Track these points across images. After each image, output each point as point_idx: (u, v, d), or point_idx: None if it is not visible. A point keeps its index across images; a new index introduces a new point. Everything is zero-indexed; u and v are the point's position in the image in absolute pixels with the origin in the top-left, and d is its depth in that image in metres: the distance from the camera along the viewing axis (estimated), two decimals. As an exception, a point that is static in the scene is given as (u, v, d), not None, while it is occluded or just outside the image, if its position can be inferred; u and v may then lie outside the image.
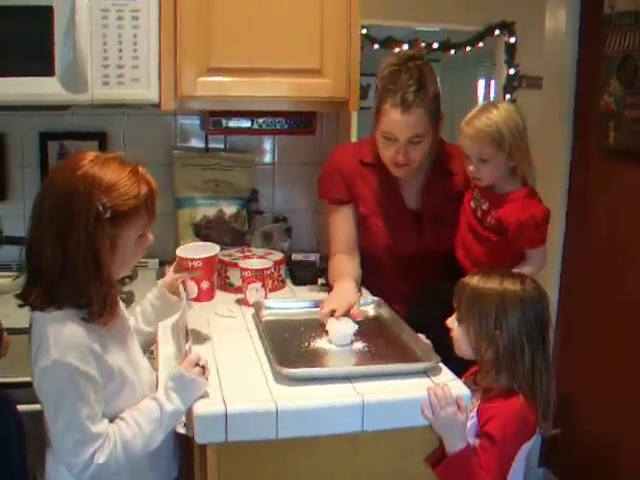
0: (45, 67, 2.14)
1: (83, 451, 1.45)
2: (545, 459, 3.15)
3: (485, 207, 2.22)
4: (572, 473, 3.09)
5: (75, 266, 1.47)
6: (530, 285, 1.79)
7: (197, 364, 1.59)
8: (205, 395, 1.57)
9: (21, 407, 1.82)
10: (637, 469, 2.68)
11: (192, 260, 1.92)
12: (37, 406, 1.58)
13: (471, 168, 2.18)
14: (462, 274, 1.95)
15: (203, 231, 2.63)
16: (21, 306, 1.53)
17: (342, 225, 2.41)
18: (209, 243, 2.08)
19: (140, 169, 1.58)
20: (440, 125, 2.27)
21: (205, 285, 1.93)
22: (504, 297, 1.75)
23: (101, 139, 2.61)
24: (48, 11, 2.11)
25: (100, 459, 1.46)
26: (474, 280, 1.80)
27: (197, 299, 1.94)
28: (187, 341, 1.80)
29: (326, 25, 2.40)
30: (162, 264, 2.59)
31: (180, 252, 1.96)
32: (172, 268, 1.96)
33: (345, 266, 2.33)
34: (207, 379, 1.60)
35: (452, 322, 1.84)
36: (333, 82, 2.45)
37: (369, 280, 2.33)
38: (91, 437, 1.45)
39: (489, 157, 2.13)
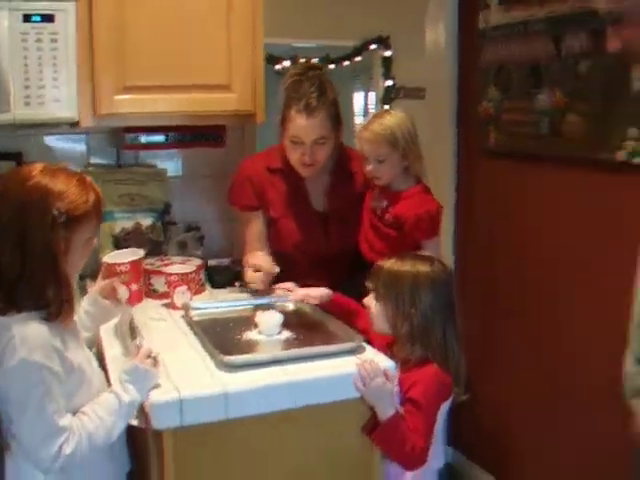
0: (-34, 89, 2.20)
1: (52, 444, 1.56)
2: (452, 438, 3.40)
3: (384, 205, 2.45)
4: (477, 450, 3.35)
5: (33, 269, 1.59)
6: (439, 267, 2.02)
7: (149, 356, 1.73)
8: (157, 386, 1.71)
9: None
10: (535, 450, 2.97)
11: (120, 265, 2.06)
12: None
13: (370, 167, 2.41)
14: (368, 267, 2.15)
15: (122, 243, 2.72)
16: None
17: (254, 229, 2.60)
18: (133, 248, 2.22)
19: (86, 178, 1.72)
20: (341, 128, 2.49)
21: (134, 287, 2.08)
22: (417, 278, 1.96)
23: (17, 159, 2.66)
24: (-32, 35, 2.18)
25: (67, 450, 1.57)
26: (389, 263, 2.01)
27: (128, 302, 2.07)
28: (133, 339, 1.93)
29: (233, 43, 2.56)
30: (82, 278, 2.67)
31: (107, 259, 2.10)
32: (100, 275, 2.09)
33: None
34: (158, 370, 1.74)
35: (369, 301, 2.04)
36: (240, 96, 2.61)
37: (282, 278, 2.48)
38: (58, 430, 1.57)
39: (385, 157, 2.38)
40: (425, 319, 1.95)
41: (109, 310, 2.04)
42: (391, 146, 2.36)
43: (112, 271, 2.06)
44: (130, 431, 1.81)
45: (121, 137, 2.74)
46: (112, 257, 2.12)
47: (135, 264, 2.09)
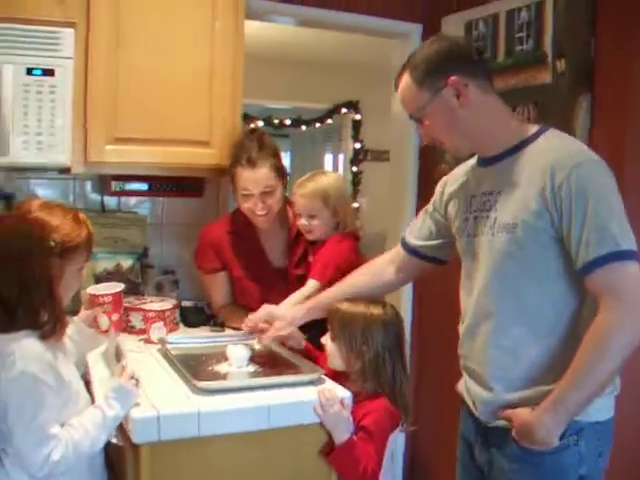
0: (-30, 132, 2.41)
1: (42, 450, 1.73)
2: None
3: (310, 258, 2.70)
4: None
5: (30, 292, 1.79)
6: (390, 310, 2.23)
7: (132, 377, 1.93)
8: (137, 404, 1.90)
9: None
10: None
11: (103, 296, 2.26)
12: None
13: (303, 222, 2.63)
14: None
15: (104, 282, 2.91)
16: None
17: (219, 288, 2.86)
18: (113, 282, 2.42)
19: (80, 215, 1.94)
20: (285, 178, 2.73)
21: (115, 317, 2.28)
22: (369, 319, 2.17)
23: (8, 199, 2.85)
24: (-25, 83, 2.39)
25: (55, 457, 1.74)
26: (345, 306, 2.22)
27: (108, 331, 2.27)
28: (119, 361, 2.12)
29: (214, 103, 2.82)
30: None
31: (91, 290, 2.30)
32: (84, 305, 2.29)
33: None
34: (139, 391, 1.93)
35: (326, 340, 2.25)
36: (219, 152, 2.85)
37: None
38: (48, 438, 1.74)
39: (317, 212, 2.60)
40: (376, 357, 2.16)
41: (92, 338, 2.22)
42: (322, 202, 2.59)
43: (95, 302, 2.26)
44: (109, 452, 1.99)
45: (107, 184, 2.96)
46: (95, 289, 2.32)
47: (117, 296, 2.29)
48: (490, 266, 1.90)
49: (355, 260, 2.53)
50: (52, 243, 1.81)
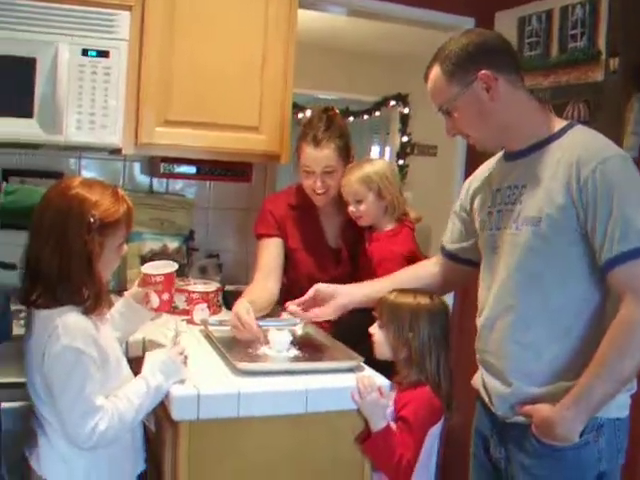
0: (26, 110, 2.45)
1: (88, 421, 1.76)
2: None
3: (367, 245, 2.70)
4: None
5: (70, 269, 1.82)
6: (437, 300, 2.23)
7: (181, 353, 1.97)
8: (182, 381, 1.94)
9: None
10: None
11: (155, 276, 2.29)
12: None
13: (351, 208, 2.63)
14: None
15: (149, 262, 2.96)
16: (25, 304, 1.86)
17: (268, 252, 2.76)
18: (167, 261, 2.44)
19: (119, 191, 1.96)
20: (350, 160, 2.71)
21: (165, 297, 2.30)
22: (417, 308, 2.18)
23: (58, 178, 2.89)
24: (32, 62, 2.44)
25: (101, 427, 1.77)
26: (392, 296, 2.22)
27: (159, 309, 2.30)
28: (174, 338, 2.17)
29: (265, 90, 2.85)
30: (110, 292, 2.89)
31: (145, 269, 2.33)
32: (137, 283, 2.33)
33: (253, 289, 2.65)
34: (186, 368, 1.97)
35: (374, 329, 2.25)
36: (268, 138, 2.88)
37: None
38: (95, 409, 1.78)
39: (362, 197, 2.60)
40: (422, 346, 2.16)
41: (140, 313, 2.24)
42: (366, 186, 2.59)
43: (147, 281, 2.30)
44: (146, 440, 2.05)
45: (156, 166, 3.00)
46: (150, 268, 2.36)
47: (169, 276, 2.32)
48: (513, 260, 1.90)
49: (415, 248, 2.56)
50: (91, 219, 1.83)
